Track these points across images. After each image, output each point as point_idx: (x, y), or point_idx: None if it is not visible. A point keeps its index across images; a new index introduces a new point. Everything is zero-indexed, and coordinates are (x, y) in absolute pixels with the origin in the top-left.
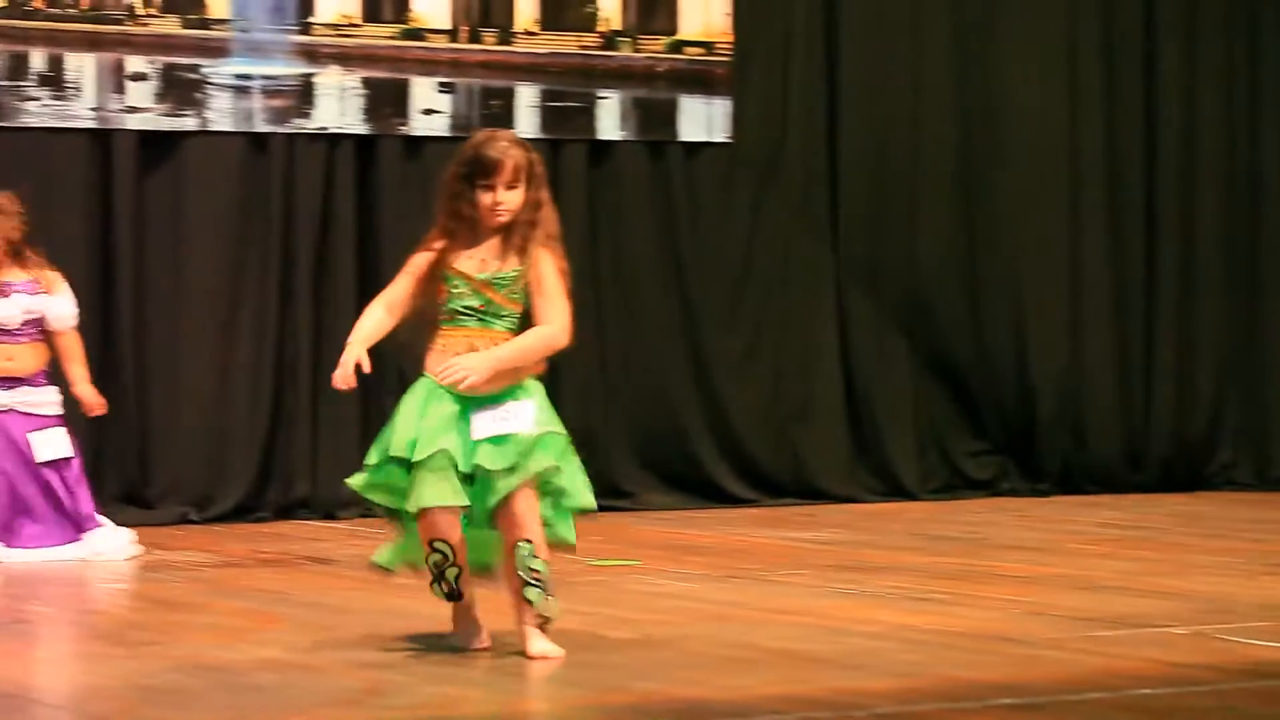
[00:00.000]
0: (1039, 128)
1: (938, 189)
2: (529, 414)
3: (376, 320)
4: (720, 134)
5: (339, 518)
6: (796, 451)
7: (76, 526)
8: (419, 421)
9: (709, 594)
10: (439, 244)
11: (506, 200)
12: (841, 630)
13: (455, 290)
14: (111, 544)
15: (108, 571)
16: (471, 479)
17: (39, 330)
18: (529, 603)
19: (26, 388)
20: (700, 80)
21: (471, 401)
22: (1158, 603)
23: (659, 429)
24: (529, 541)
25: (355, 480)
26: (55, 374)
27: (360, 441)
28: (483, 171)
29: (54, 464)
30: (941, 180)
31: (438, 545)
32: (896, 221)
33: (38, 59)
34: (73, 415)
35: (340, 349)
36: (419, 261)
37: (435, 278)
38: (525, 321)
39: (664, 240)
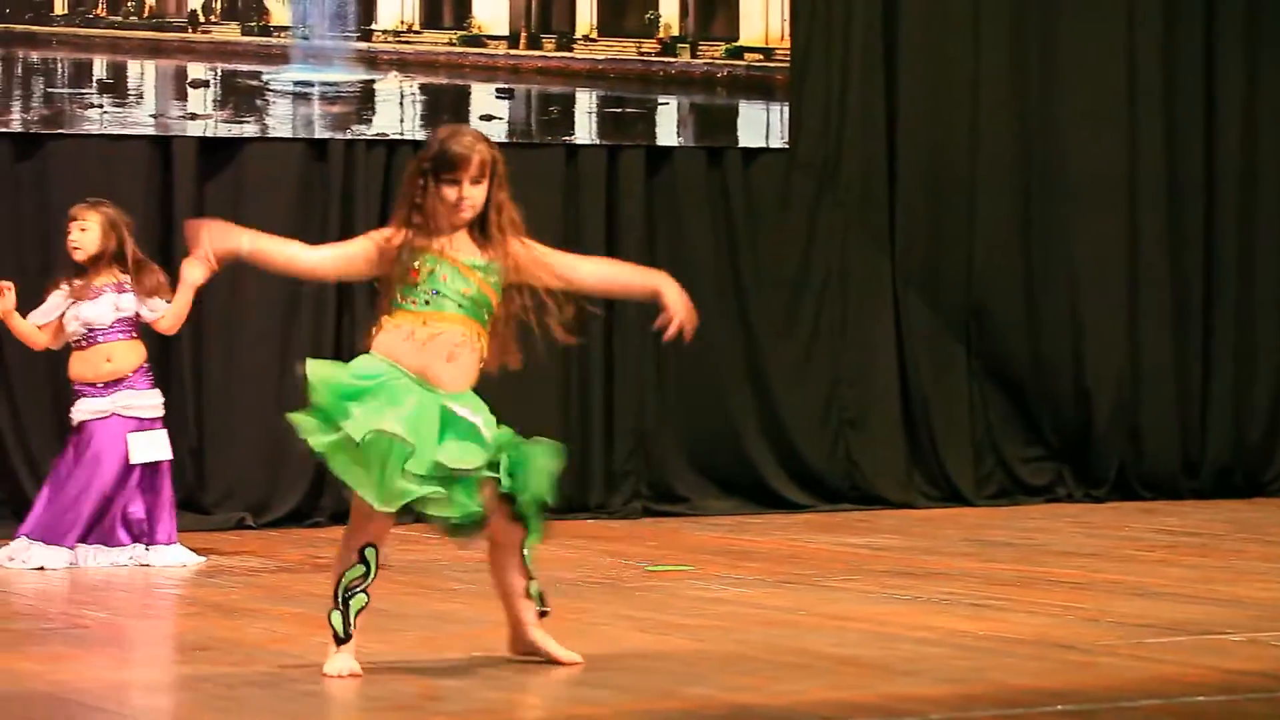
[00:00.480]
0: (1097, 132)
1: (995, 195)
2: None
3: (295, 251)
4: (778, 140)
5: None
6: (852, 457)
7: (147, 534)
8: (398, 408)
9: (763, 599)
10: (399, 235)
11: (471, 196)
12: (895, 636)
13: (433, 271)
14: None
15: (164, 577)
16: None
17: (132, 328)
18: (531, 597)
19: (128, 391)
20: (759, 86)
21: (438, 392)
22: (1213, 610)
23: (715, 434)
24: (530, 537)
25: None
26: (157, 376)
27: None
28: (449, 166)
29: (148, 466)
30: (999, 186)
31: (367, 554)
32: (954, 227)
33: (99, 66)
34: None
35: None
36: (374, 236)
37: (398, 260)
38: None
39: (721, 246)
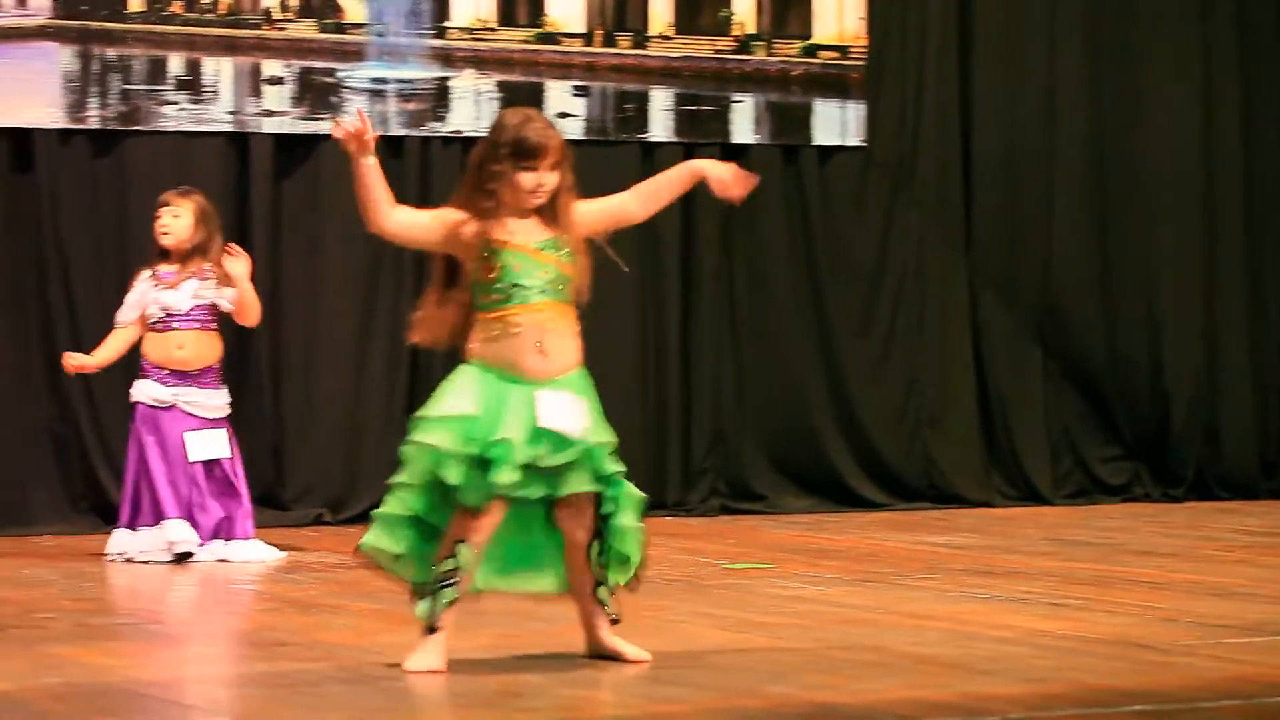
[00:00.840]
0: (1174, 131)
1: (1072, 193)
2: (585, 416)
3: (384, 196)
4: (854, 138)
5: None
6: (929, 455)
7: (211, 529)
8: (486, 411)
9: (841, 598)
10: (471, 224)
11: (548, 182)
12: (973, 635)
13: (508, 265)
14: (248, 555)
15: (243, 573)
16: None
17: (211, 319)
18: (600, 603)
19: (194, 388)
20: (834, 84)
21: (533, 383)
22: None
23: (792, 432)
24: (599, 540)
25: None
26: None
27: None
28: (529, 154)
29: (207, 464)
30: (1076, 184)
31: (461, 549)
32: (1030, 226)
33: (176, 63)
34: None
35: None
36: (444, 216)
37: (471, 251)
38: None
39: (797, 244)
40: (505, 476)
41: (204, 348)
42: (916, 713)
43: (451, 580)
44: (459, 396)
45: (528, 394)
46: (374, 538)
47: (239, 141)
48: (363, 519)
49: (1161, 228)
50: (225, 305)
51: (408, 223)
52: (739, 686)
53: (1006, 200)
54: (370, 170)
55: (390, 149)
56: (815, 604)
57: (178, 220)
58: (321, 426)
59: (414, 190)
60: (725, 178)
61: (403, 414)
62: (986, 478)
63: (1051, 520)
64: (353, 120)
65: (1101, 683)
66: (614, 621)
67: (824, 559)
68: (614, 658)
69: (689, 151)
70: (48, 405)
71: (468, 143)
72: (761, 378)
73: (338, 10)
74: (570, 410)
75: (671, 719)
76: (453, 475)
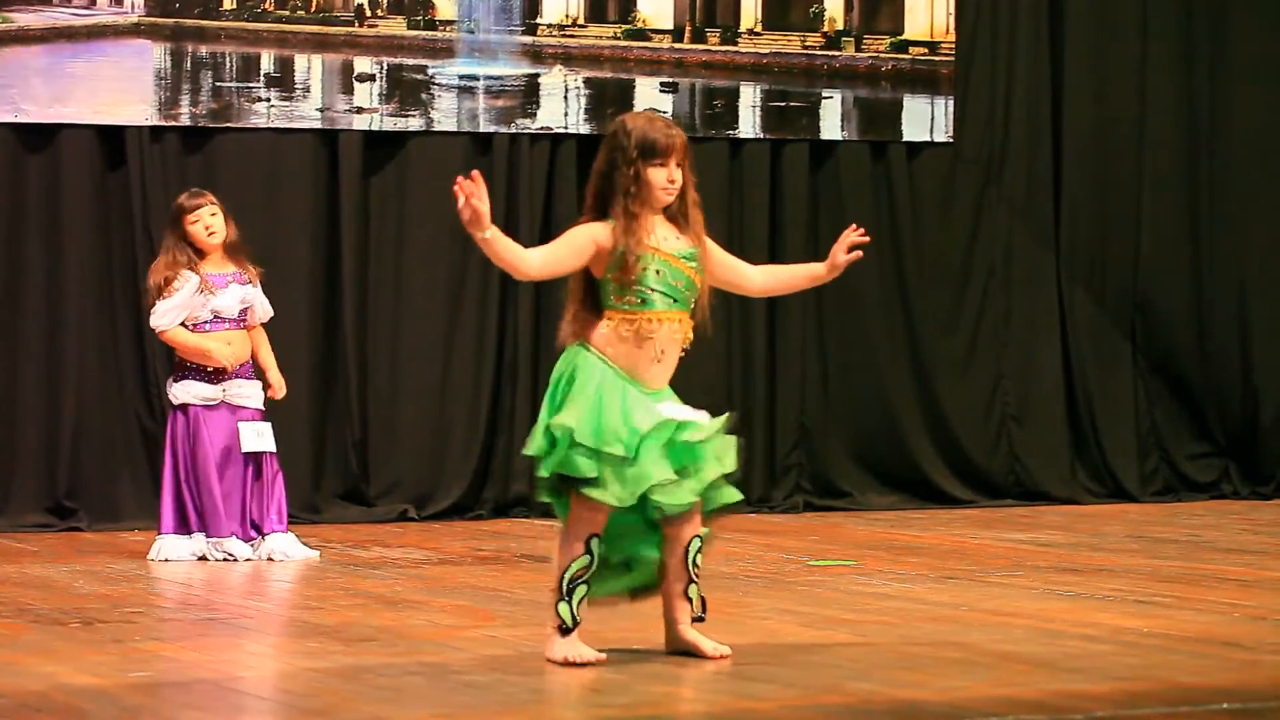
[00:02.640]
0: (1264, 127)
1: (1161, 189)
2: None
3: (520, 253)
4: (943, 134)
5: (557, 516)
6: (1015, 452)
7: (257, 525)
8: (621, 412)
9: (926, 595)
10: (609, 231)
11: (677, 178)
12: (1059, 633)
13: (649, 268)
14: (286, 549)
15: (323, 568)
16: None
17: (248, 317)
18: (689, 600)
19: (238, 380)
20: (924, 80)
21: (645, 391)
22: None
23: (877, 429)
24: (699, 538)
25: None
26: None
27: None
28: (659, 151)
29: (254, 456)
30: (1165, 179)
31: (592, 545)
32: (1119, 222)
33: (267, 60)
34: (292, 414)
35: (558, 350)
36: (580, 236)
37: (613, 258)
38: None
39: (885, 240)
40: (660, 473)
41: (245, 345)
42: (1002, 710)
43: (582, 578)
44: (600, 397)
45: (646, 399)
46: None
47: (329, 138)
48: (447, 515)
49: (1252, 224)
50: (257, 317)
51: (549, 263)
52: (822, 683)
53: (1096, 196)
54: (490, 242)
55: (479, 145)
56: (899, 601)
57: (217, 218)
58: (407, 423)
59: (502, 186)
60: (842, 249)
61: (489, 410)
62: (1073, 475)
63: (1138, 517)
64: (468, 184)
65: (1188, 681)
66: (698, 620)
67: (908, 556)
68: (693, 653)
69: (777, 148)
70: (137, 401)
71: (556, 140)
72: (847, 374)
73: (428, 7)
74: (688, 411)
75: (755, 715)
76: (594, 470)
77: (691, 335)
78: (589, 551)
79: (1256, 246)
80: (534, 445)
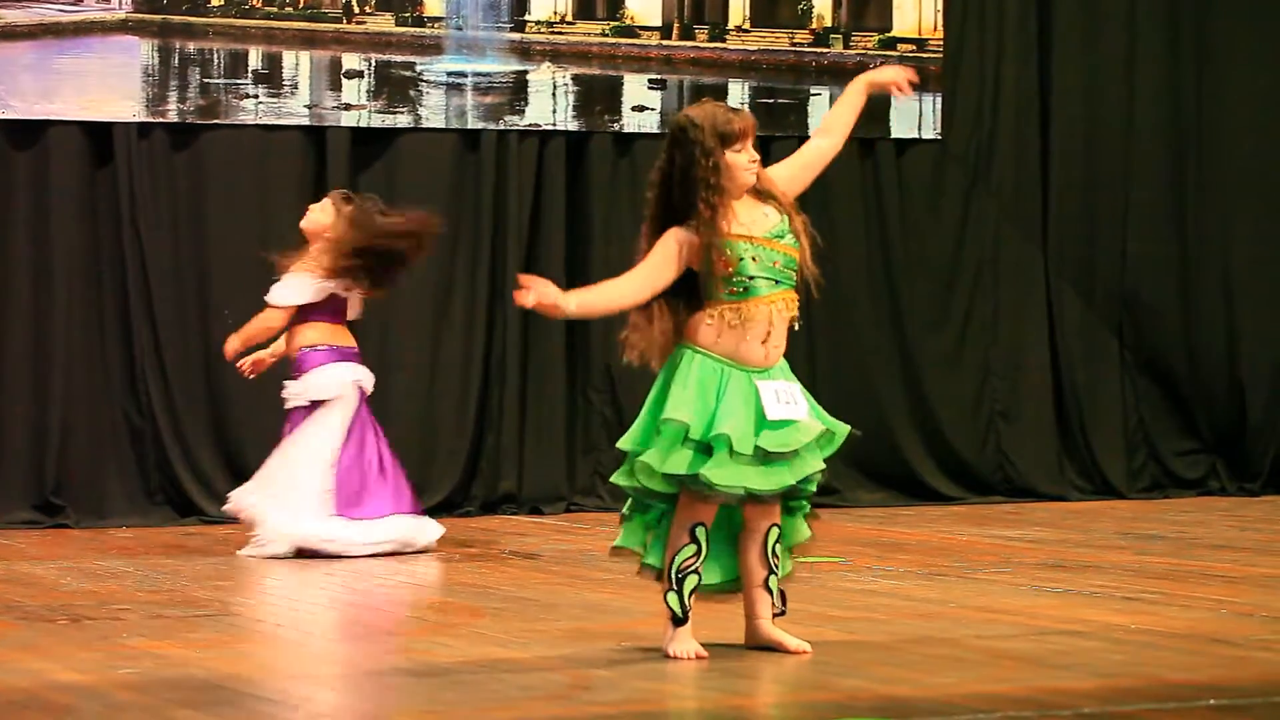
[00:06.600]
0: (1253, 122)
1: (1149, 186)
2: (803, 401)
3: (613, 293)
4: (931, 131)
5: (545, 513)
6: (1003, 449)
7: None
8: (714, 401)
9: (914, 591)
10: (694, 228)
11: (757, 158)
12: (1047, 629)
13: (744, 257)
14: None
15: (316, 567)
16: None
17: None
18: (769, 592)
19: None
20: None
21: (752, 371)
22: None
23: (866, 426)
24: (777, 527)
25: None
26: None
27: (566, 438)
28: (735, 139)
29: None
30: (1153, 177)
31: (698, 534)
32: (1107, 219)
33: (255, 57)
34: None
35: (548, 346)
36: (669, 245)
37: (707, 254)
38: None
39: (873, 236)
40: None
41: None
42: (989, 706)
43: (691, 567)
44: (698, 391)
45: (749, 384)
46: (622, 539)
47: (317, 135)
48: (435, 512)
49: (1240, 220)
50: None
51: (650, 281)
52: (811, 680)
53: (1083, 192)
54: (583, 308)
55: (467, 142)
56: (887, 598)
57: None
58: (395, 419)
59: (490, 183)
60: (896, 79)
61: (477, 408)
62: (1060, 471)
63: (1126, 514)
64: (523, 292)
65: (1175, 677)
66: (779, 614)
67: (896, 553)
68: (775, 648)
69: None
70: (124, 398)
71: (545, 136)
72: (834, 370)
73: (416, 4)
74: (792, 397)
75: (742, 712)
76: (698, 465)
77: (797, 312)
78: (695, 540)
79: (1243, 242)
80: (631, 440)
